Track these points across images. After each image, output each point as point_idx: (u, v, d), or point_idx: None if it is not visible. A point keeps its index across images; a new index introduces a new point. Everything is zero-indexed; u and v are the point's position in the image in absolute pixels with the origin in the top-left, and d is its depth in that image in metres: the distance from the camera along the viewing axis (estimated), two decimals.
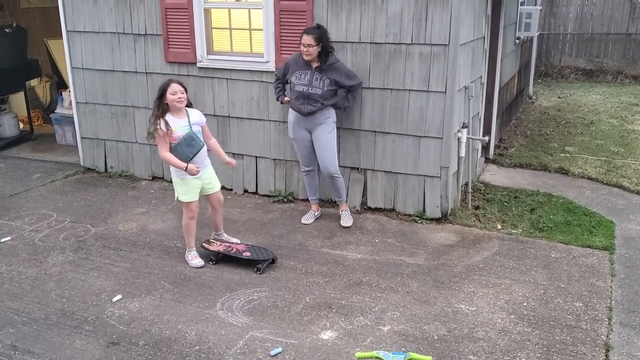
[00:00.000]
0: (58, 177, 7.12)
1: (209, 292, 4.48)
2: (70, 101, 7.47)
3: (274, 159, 6.27)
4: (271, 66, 5.96)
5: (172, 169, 4.80)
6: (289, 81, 5.46)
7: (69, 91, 7.49)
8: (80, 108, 7.19)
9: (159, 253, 5.15)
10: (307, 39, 5.15)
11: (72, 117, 7.45)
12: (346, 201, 5.75)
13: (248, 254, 4.88)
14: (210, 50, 6.27)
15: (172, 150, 4.62)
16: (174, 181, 4.82)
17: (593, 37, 14.27)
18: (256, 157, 6.35)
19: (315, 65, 5.28)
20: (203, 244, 5.05)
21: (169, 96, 4.60)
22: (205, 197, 4.99)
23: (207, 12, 6.15)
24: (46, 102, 9.98)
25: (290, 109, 5.53)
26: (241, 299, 4.39)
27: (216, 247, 4.99)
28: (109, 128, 7.07)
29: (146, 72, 6.63)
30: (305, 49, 5.17)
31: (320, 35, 5.19)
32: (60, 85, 9.51)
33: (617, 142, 8.47)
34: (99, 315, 4.19)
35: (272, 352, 3.73)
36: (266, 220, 5.82)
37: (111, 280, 4.67)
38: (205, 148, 4.79)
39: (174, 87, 4.61)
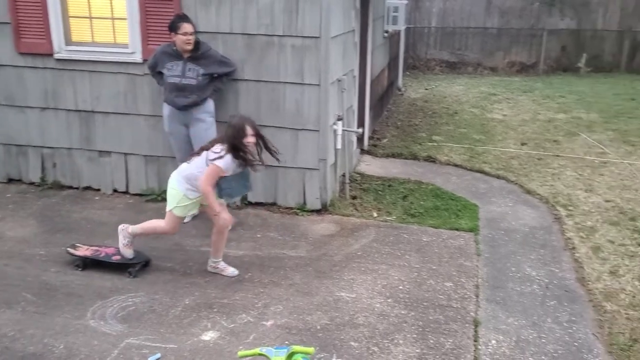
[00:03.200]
0: None
1: (79, 301, 4.18)
2: None
3: (145, 156, 5.99)
4: (138, 57, 5.68)
5: (183, 183, 4.30)
6: (161, 73, 5.25)
7: None
8: None
9: (19, 262, 4.72)
10: (190, 27, 5.02)
11: None
12: (227, 205, 5.59)
13: (118, 257, 4.62)
14: (68, 41, 5.84)
15: (226, 183, 4.25)
16: (175, 193, 4.33)
17: (455, 30, 15.20)
18: (125, 154, 6.02)
19: (187, 55, 5.11)
20: (68, 249, 4.70)
21: (247, 140, 4.18)
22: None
23: None
24: None
25: (164, 102, 5.31)
26: (114, 306, 4.14)
27: (82, 251, 4.67)
28: None
29: None
30: (189, 38, 5.01)
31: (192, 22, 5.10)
32: None
33: (479, 130, 9.08)
34: None
35: (150, 359, 3.55)
36: (139, 220, 5.47)
37: None
38: None
39: (250, 130, 4.19)
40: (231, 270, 4.61)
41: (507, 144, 8.36)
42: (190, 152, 5.36)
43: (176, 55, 5.13)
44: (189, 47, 5.05)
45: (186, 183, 4.31)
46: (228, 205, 5.64)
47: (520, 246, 5.20)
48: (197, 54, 5.12)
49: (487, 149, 8.05)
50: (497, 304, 4.28)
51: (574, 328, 4.00)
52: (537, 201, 6.26)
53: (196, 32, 5.15)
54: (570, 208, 6.00)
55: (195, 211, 5.60)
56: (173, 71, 5.13)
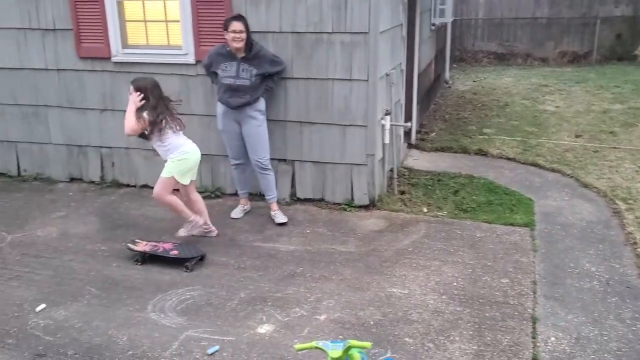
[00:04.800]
0: None
1: (139, 295, 4.33)
2: None
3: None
4: (190, 59, 5.81)
5: (173, 150, 4.91)
6: (216, 73, 5.33)
7: None
8: None
9: (83, 257, 4.92)
10: (239, 25, 5.05)
11: None
12: (277, 200, 5.67)
13: (175, 252, 4.76)
14: (125, 44, 6.02)
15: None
16: (175, 159, 4.91)
17: (502, 21, 14.89)
18: None
19: (240, 55, 5.17)
20: (128, 244, 4.88)
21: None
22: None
23: (120, 4, 5.90)
24: None
25: (218, 101, 5.41)
26: (173, 299, 4.27)
27: (142, 247, 4.83)
28: (20, 129, 6.66)
29: (57, 69, 6.28)
30: (237, 35, 5.05)
31: (247, 22, 5.13)
32: None
33: (531, 122, 8.88)
34: (22, 326, 3.95)
35: (209, 351, 3.65)
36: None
37: (33, 289, 4.42)
38: None
39: None
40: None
41: (561, 136, 8.16)
42: (243, 148, 5.45)
43: (230, 56, 5.19)
44: (237, 45, 5.09)
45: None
46: (278, 202, 5.74)
47: (578, 241, 5.08)
48: (250, 54, 5.17)
49: (540, 142, 7.87)
50: (556, 300, 4.19)
51: (638, 326, 3.88)
52: (594, 195, 6.09)
53: (249, 32, 5.18)
54: (630, 202, 5.81)
55: (247, 206, 5.72)
56: (227, 72, 5.20)
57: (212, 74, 5.43)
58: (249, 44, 5.17)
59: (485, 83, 12.25)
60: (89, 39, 6.05)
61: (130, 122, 4.79)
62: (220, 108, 5.41)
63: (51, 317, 4.05)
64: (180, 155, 4.90)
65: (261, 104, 5.36)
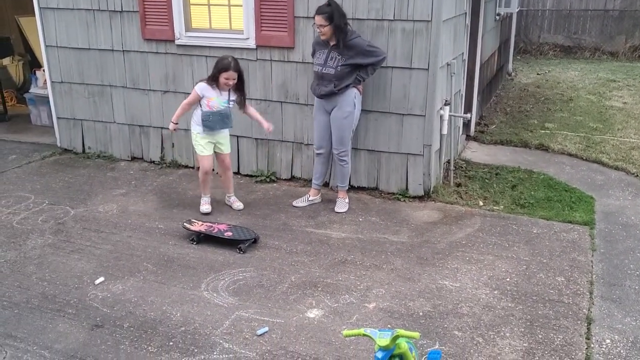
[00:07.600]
0: (34, 159, 6.97)
1: (193, 273, 4.45)
2: (45, 80, 7.30)
3: (255, 139, 6.21)
4: (251, 43, 5.87)
5: (193, 124, 5.30)
6: None
7: (43, 70, 7.31)
8: (56, 87, 7.02)
9: (141, 234, 5.08)
10: (319, 19, 5.00)
11: (47, 97, 7.27)
12: (347, 189, 5.66)
13: (230, 233, 4.85)
14: (188, 27, 6.14)
15: (205, 116, 5.14)
16: (193, 136, 5.33)
17: (571, 13, 14.34)
18: (237, 136, 6.27)
19: (332, 43, 5.11)
20: (184, 224, 5.01)
21: (222, 78, 5.01)
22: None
23: None
24: (19, 81, 9.73)
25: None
26: (226, 279, 4.37)
27: (197, 226, 4.95)
28: (86, 108, 6.92)
29: (123, 50, 6.48)
30: (319, 30, 5.05)
31: (331, 13, 5.00)
32: (33, 64, 9.27)
33: (596, 118, 8.56)
34: (82, 298, 4.14)
35: (259, 332, 3.72)
36: (249, 200, 5.78)
37: (93, 263, 4.61)
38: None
39: (230, 74, 4.99)
40: (237, 204, 5.58)
41: (627, 133, 7.82)
42: (328, 139, 5.44)
43: (324, 43, 5.15)
44: (322, 38, 5.08)
45: (192, 123, 5.31)
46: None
47: None
48: (342, 42, 5.06)
49: (604, 139, 7.58)
50: (613, 302, 4.05)
51: None
52: None
53: (341, 20, 5.00)
54: None
55: (313, 198, 5.71)
56: (318, 60, 5.19)
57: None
58: (340, 32, 5.03)
59: (550, 76, 11.86)
60: (154, 21, 6.20)
61: None
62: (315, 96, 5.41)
63: (109, 290, 4.22)
64: None
65: (349, 95, 5.20)
